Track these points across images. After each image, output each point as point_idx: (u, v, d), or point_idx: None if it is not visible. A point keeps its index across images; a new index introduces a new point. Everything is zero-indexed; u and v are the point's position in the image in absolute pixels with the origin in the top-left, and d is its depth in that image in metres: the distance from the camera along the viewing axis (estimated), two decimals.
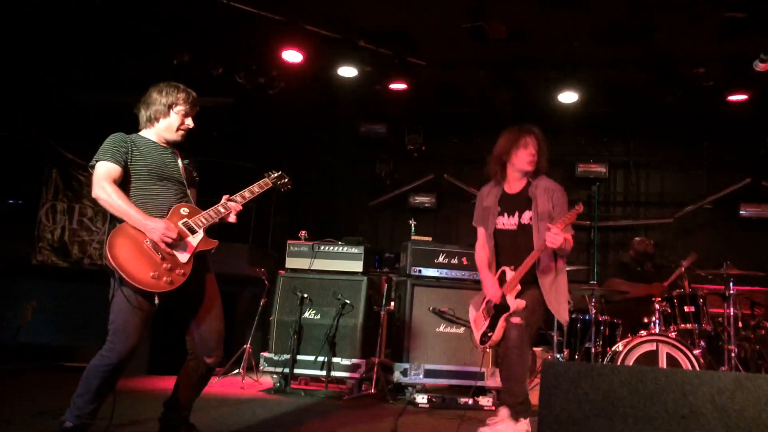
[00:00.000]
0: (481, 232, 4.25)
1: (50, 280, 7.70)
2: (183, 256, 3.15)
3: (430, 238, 5.98)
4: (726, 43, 6.37)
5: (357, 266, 5.77)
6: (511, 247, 4.04)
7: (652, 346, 5.13)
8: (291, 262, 5.82)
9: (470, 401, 5.33)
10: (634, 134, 8.82)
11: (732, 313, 5.46)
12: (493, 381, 5.45)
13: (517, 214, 4.04)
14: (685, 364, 4.97)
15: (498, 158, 4.13)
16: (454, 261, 5.76)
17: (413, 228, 6.11)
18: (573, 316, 5.97)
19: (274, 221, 8.59)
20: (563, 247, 3.74)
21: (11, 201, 8.23)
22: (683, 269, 5.80)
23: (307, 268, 5.78)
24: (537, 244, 3.87)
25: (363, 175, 9.34)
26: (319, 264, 5.79)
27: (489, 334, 3.96)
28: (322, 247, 5.84)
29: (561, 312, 3.90)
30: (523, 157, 4.03)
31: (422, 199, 9.03)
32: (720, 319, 5.75)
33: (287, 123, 8.91)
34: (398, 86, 7.46)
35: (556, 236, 3.63)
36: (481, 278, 4.17)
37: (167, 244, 3.09)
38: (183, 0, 6.40)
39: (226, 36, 7.01)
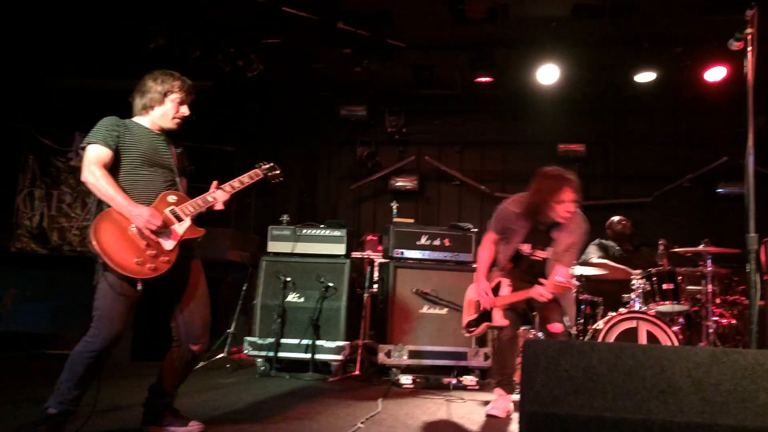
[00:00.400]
0: (491, 236, 4.45)
1: (30, 268, 7.62)
2: (168, 244, 3.15)
3: (412, 220, 6.01)
4: (704, 21, 6.41)
5: (339, 249, 5.78)
6: (521, 269, 4.35)
7: (632, 324, 5.21)
8: (273, 246, 5.81)
9: (454, 381, 5.39)
10: (612, 113, 8.87)
11: (710, 290, 5.55)
12: (477, 360, 5.51)
13: (539, 247, 4.30)
14: (665, 341, 5.06)
15: (535, 205, 4.20)
16: (437, 242, 5.80)
17: (395, 210, 6.12)
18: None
19: (256, 205, 8.55)
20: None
21: None
22: (662, 249, 5.88)
23: (290, 251, 5.77)
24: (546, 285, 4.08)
25: (344, 158, 9.32)
26: (302, 247, 5.79)
27: (472, 329, 4.43)
28: (305, 231, 5.83)
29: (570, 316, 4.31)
30: (562, 212, 4.12)
31: (404, 182, 9.03)
32: (698, 296, 5.84)
33: (267, 106, 8.84)
34: (378, 68, 7.42)
35: (543, 295, 4.03)
36: (477, 279, 4.39)
37: (153, 231, 3.08)
38: None
39: (202, 18, 6.91)
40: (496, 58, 7.42)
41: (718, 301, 5.78)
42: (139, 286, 3.06)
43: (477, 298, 4.39)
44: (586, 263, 6.25)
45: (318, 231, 5.83)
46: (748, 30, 3.07)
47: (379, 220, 8.92)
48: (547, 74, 7.23)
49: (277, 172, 3.71)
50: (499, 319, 4.23)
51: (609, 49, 7.26)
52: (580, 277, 5.91)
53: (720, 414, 2.16)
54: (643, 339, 5.13)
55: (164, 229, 3.14)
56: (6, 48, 7.01)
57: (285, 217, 5.91)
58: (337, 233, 5.82)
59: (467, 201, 9.09)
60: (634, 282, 5.53)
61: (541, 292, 4.04)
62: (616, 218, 6.89)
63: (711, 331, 5.46)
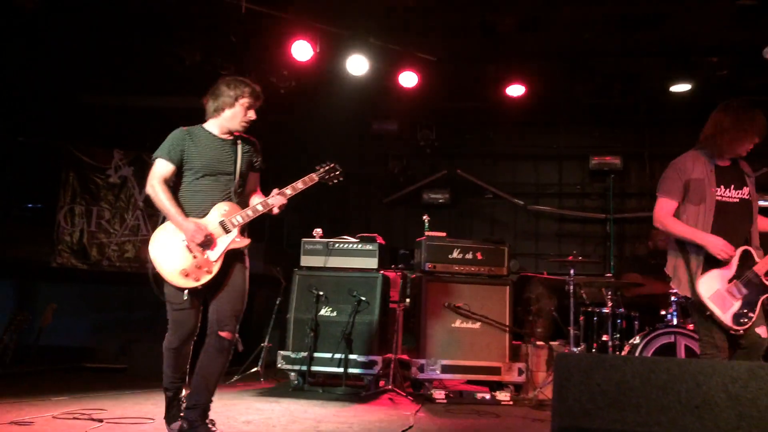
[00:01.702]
0: (674, 205, 3.75)
1: (70, 282, 7.81)
2: (213, 254, 3.41)
3: (444, 234, 5.99)
4: (738, 31, 6.30)
5: (372, 263, 5.79)
6: (733, 224, 3.66)
7: (670, 339, 5.10)
8: (306, 260, 5.86)
9: (488, 396, 5.34)
10: (648, 125, 8.74)
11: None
12: (510, 376, 5.45)
13: (733, 187, 3.71)
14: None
15: (724, 134, 3.67)
16: (469, 256, 5.77)
17: (426, 224, 6.11)
18: (590, 309, 5.95)
19: (289, 219, 8.63)
20: None
21: (30, 205, 8.35)
22: None
23: (323, 265, 5.81)
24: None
25: (376, 172, 9.34)
26: (334, 261, 5.82)
27: (750, 314, 3.52)
28: (337, 245, 5.86)
29: None
30: (747, 145, 3.67)
31: (436, 195, 9.02)
32: None
33: (299, 121, 8.93)
34: (409, 82, 7.45)
35: None
36: (704, 240, 3.59)
37: (199, 243, 3.36)
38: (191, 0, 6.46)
39: (236, 35, 7.04)
40: (527, 70, 7.39)
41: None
42: (185, 296, 3.36)
43: (726, 286, 3.59)
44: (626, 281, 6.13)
45: (350, 245, 5.86)
46: None
47: (410, 234, 8.91)
48: (581, 85, 7.12)
49: (337, 172, 3.81)
50: None
51: (642, 60, 7.18)
52: (616, 292, 5.83)
53: (757, 429, 2.11)
54: (681, 354, 5.02)
55: (211, 241, 3.40)
56: (45, 65, 7.23)
57: (318, 231, 5.95)
58: (369, 247, 5.84)
59: (500, 214, 9.04)
60: (672, 296, 5.42)
61: None
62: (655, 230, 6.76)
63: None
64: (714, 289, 3.58)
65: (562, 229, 8.79)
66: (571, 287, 5.65)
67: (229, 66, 7.21)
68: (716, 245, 3.53)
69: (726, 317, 3.51)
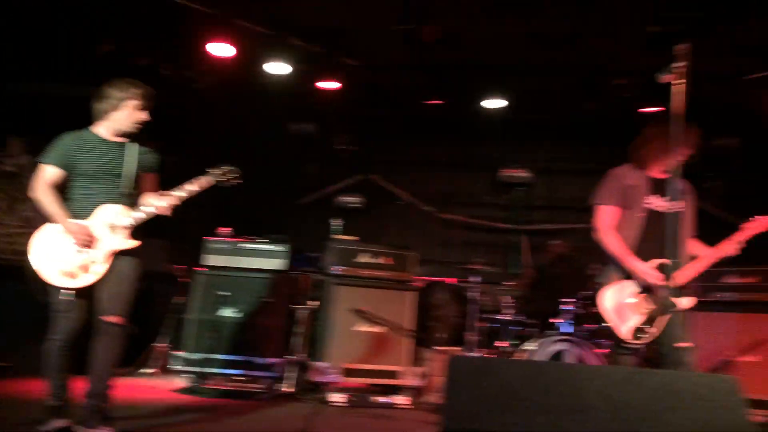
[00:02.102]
0: (613, 211, 3.78)
1: None
2: (99, 256, 3.44)
3: (357, 238, 5.99)
4: (645, 56, 6.63)
5: (278, 264, 5.72)
6: (662, 234, 3.52)
7: (564, 346, 5.28)
8: (210, 259, 5.71)
9: (387, 400, 5.36)
10: (556, 140, 9.05)
11: None
12: (410, 380, 5.50)
13: (667, 198, 3.65)
14: (592, 363, 5.13)
15: (656, 147, 3.73)
16: (376, 260, 5.79)
17: (336, 227, 6.10)
18: (490, 316, 6.08)
19: (194, 215, 8.39)
20: None
21: None
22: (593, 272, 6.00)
23: (226, 265, 5.68)
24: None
25: (290, 173, 9.25)
26: (241, 261, 5.70)
27: (647, 330, 3.52)
28: (245, 245, 5.76)
29: None
30: (677, 156, 3.54)
31: (350, 200, 9.01)
32: None
33: (214, 117, 8.73)
34: (329, 86, 7.43)
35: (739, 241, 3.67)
36: (631, 264, 3.61)
37: (85, 244, 3.40)
38: None
39: (152, 27, 6.82)
40: (446, 82, 7.51)
41: None
42: (66, 295, 3.35)
43: (630, 297, 3.64)
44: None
45: (257, 245, 5.76)
46: (679, 64, 3.17)
47: (323, 237, 8.86)
48: (495, 100, 7.30)
49: (235, 175, 3.82)
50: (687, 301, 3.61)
51: (555, 77, 7.43)
52: (515, 300, 5.99)
53: (629, 430, 2.20)
54: (572, 361, 5.20)
55: (96, 242, 3.43)
56: None
57: (224, 230, 5.82)
58: (276, 248, 5.76)
59: (412, 221, 9.13)
60: (565, 304, 5.61)
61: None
62: (553, 241, 7.01)
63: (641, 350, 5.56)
64: (616, 301, 3.60)
65: (471, 238, 8.96)
66: (474, 294, 5.77)
67: (142, 58, 6.97)
68: (644, 272, 3.55)
69: (623, 330, 3.52)
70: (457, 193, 9.06)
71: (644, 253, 3.61)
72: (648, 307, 3.53)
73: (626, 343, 3.49)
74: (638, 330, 3.50)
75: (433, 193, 9.17)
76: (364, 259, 5.77)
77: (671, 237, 3.48)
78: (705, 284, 5.77)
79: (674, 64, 3.17)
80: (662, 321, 3.51)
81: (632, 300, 3.57)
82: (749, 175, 8.35)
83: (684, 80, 3.15)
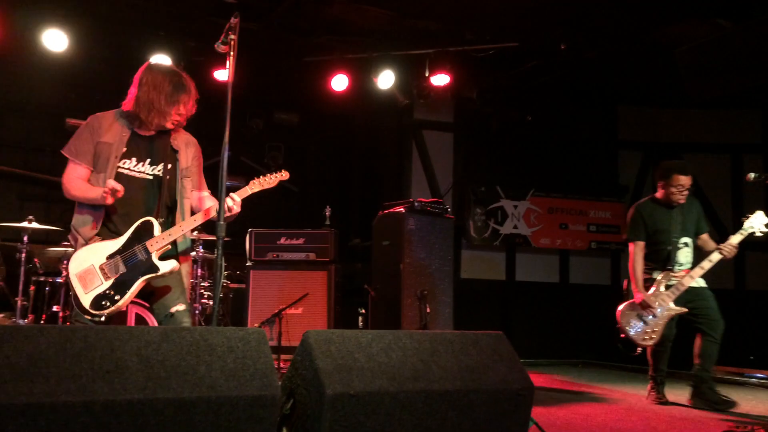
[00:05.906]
0: (80, 170, 3.31)
1: None
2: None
3: None
4: (214, 22, 6.80)
5: None
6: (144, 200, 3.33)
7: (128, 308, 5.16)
8: None
9: None
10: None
11: (200, 274, 5.92)
12: None
13: (148, 161, 3.37)
14: (152, 323, 5.15)
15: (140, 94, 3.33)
16: None
17: None
18: (42, 279, 5.60)
19: None
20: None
21: None
22: None
23: None
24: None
25: None
26: None
27: (116, 297, 3.12)
28: None
29: None
30: (169, 116, 3.39)
31: None
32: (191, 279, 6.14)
33: None
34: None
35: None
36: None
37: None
38: None
39: None
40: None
41: (206, 284, 6.17)
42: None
43: (101, 260, 3.18)
44: None
45: None
46: (232, 36, 3.31)
47: None
48: (55, 41, 6.52)
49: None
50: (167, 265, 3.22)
51: (126, 28, 7.07)
52: None
53: (161, 388, 2.26)
54: (132, 322, 5.14)
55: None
56: None
57: None
58: None
59: None
60: None
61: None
62: None
63: (198, 312, 5.81)
64: (89, 264, 3.16)
65: (25, 192, 7.94)
66: (23, 255, 5.23)
67: None
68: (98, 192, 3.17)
69: (86, 298, 3.12)
70: (8, 139, 7.93)
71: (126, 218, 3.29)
72: (118, 269, 3.18)
73: (89, 313, 3.11)
74: (104, 296, 3.14)
75: None
76: None
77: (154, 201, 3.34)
78: (262, 245, 6.31)
79: (229, 36, 3.32)
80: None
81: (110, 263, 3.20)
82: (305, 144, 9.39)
83: (233, 52, 3.29)
